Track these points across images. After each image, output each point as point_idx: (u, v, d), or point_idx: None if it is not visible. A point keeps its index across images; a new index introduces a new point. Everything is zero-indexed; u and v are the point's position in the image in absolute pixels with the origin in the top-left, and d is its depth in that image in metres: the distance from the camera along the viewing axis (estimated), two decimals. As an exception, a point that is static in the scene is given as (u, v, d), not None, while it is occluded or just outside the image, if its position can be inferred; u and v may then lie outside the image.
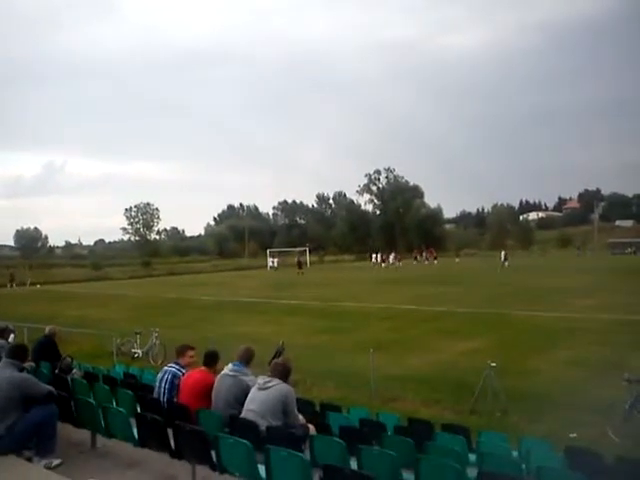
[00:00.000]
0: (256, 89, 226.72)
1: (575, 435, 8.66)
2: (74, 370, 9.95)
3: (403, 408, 10.52)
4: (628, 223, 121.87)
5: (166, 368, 7.37)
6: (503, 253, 64.95)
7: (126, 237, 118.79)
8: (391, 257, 73.50)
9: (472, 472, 5.15)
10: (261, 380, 6.00)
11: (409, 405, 11.04)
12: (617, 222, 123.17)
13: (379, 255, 73.65)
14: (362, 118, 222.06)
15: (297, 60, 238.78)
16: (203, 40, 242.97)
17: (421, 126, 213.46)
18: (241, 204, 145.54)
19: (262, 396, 5.85)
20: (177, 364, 7.32)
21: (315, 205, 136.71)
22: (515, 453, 6.48)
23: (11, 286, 50.92)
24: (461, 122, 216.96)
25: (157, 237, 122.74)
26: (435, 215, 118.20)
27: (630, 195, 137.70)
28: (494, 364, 10.61)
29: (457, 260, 74.47)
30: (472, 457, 6.10)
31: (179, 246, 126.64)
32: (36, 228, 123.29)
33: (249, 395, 6.05)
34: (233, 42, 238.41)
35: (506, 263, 56.20)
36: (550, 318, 21.13)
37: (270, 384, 5.88)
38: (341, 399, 10.52)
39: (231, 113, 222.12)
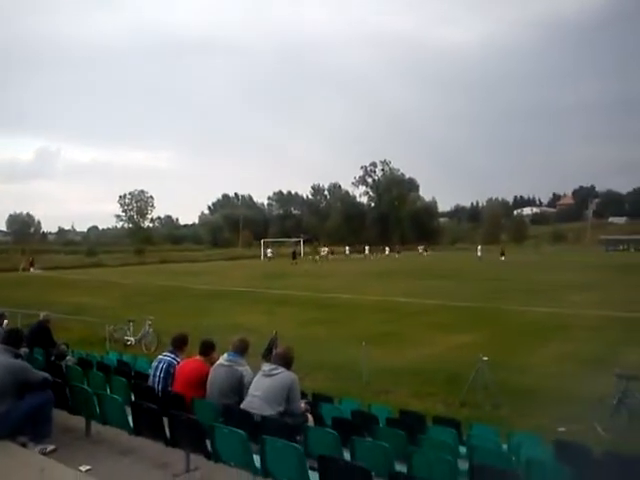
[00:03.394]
0: (254, 78, 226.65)
1: (564, 429, 8.76)
2: (68, 357, 9.97)
3: (395, 400, 10.58)
4: (621, 220, 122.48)
5: (161, 357, 7.38)
6: (479, 247, 66.69)
7: (119, 224, 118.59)
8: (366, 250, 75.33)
9: (463, 465, 5.22)
10: (267, 367, 6.12)
11: (401, 397, 11.10)
12: (610, 219, 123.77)
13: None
14: (359, 110, 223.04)
15: (295, 50, 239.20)
16: (202, 29, 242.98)
17: (418, 119, 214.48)
18: (236, 194, 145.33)
19: (267, 383, 5.97)
20: (173, 353, 7.34)
21: (310, 196, 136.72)
22: (505, 446, 6.55)
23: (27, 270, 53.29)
24: (458, 116, 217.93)
25: (151, 225, 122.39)
26: (430, 208, 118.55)
27: (624, 192, 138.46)
28: (486, 358, 10.70)
29: (426, 254, 75.79)
30: (462, 449, 6.17)
31: (173, 234, 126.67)
32: (29, 213, 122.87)
33: (253, 381, 6.17)
34: (233, 32, 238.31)
35: (502, 257, 56.98)
36: (543, 313, 21.27)
37: (276, 371, 6.02)
38: (333, 390, 10.53)
39: (229, 102, 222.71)
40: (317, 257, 69.88)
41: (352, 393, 10.71)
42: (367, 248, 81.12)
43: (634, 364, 12.47)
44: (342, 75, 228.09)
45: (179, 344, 7.48)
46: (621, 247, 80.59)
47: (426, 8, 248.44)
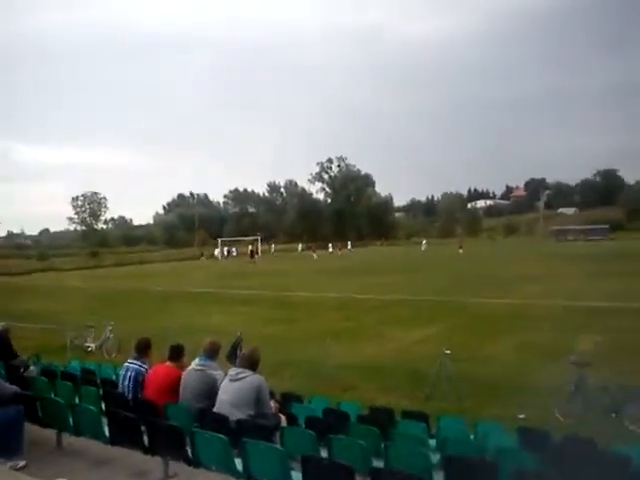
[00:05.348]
0: (211, 75, 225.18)
1: (523, 416, 9.11)
2: (31, 367, 9.77)
3: (361, 396, 10.70)
4: (570, 211, 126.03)
5: (128, 365, 7.26)
6: (424, 242, 68.26)
7: (72, 227, 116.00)
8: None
9: (434, 457, 5.40)
10: (233, 372, 6.09)
11: (367, 393, 11.25)
12: (560, 210, 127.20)
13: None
14: (315, 106, 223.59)
15: (254, 46, 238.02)
16: (155, 26, 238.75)
17: (374, 114, 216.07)
18: (191, 192, 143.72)
19: (235, 387, 5.95)
20: (139, 360, 7.25)
21: (266, 194, 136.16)
22: (472, 436, 6.78)
23: None
24: (413, 111, 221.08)
25: (104, 227, 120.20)
26: (385, 203, 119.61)
27: (573, 184, 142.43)
28: (448, 351, 10.96)
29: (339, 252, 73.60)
30: (432, 442, 6.36)
31: (127, 235, 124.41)
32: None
33: (221, 386, 6.14)
34: (188, 30, 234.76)
35: (460, 251, 58.22)
36: (500, 305, 21.85)
37: (242, 375, 5.99)
38: (299, 389, 10.61)
39: (184, 101, 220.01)
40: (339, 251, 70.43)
41: (319, 391, 10.83)
42: (300, 246, 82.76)
43: (587, 351, 13.02)
44: (299, 72, 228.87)
45: (143, 349, 7.37)
46: (571, 237, 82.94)
47: (383, 4, 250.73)
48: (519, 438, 6.29)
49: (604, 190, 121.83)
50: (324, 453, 5.20)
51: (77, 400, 7.01)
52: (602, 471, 4.59)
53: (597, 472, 4.55)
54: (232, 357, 8.88)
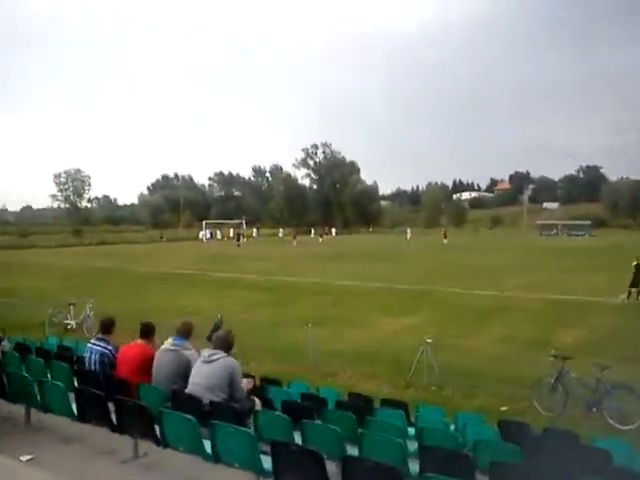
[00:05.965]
0: (201, 60, 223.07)
1: (506, 408, 9.06)
2: (3, 342, 9.53)
3: (342, 382, 10.65)
4: (554, 205, 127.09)
5: (91, 347, 7.12)
6: (409, 231, 68.31)
7: (55, 204, 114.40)
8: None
9: (412, 445, 5.30)
10: (206, 353, 5.92)
11: (347, 379, 11.17)
12: (544, 204, 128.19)
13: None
14: (303, 92, 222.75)
15: (240, 32, 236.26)
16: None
17: (360, 103, 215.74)
18: (176, 174, 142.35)
19: (208, 369, 5.79)
20: (103, 340, 7.10)
21: (252, 178, 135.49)
22: (452, 427, 6.69)
23: None
24: (400, 100, 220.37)
25: (88, 205, 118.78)
26: (371, 191, 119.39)
27: (556, 179, 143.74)
28: (430, 340, 10.90)
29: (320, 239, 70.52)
30: (411, 431, 6.26)
31: (111, 215, 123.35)
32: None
33: (194, 368, 5.98)
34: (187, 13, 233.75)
35: (445, 241, 58.27)
36: (483, 296, 21.85)
37: (215, 357, 5.82)
38: (280, 373, 10.52)
39: (173, 80, 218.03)
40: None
41: (300, 376, 10.73)
42: (281, 231, 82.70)
43: (568, 345, 13.06)
44: (289, 57, 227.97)
45: (108, 327, 7.29)
46: (554, 232, 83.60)
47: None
48: (500, 430, 6.21)
49: (587, 186, 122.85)
50: (298, 438, 5.07)
51: (49, 376, 6.82)
52: (582, 465, 4.51)
53: (577, 465, 4.47)
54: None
